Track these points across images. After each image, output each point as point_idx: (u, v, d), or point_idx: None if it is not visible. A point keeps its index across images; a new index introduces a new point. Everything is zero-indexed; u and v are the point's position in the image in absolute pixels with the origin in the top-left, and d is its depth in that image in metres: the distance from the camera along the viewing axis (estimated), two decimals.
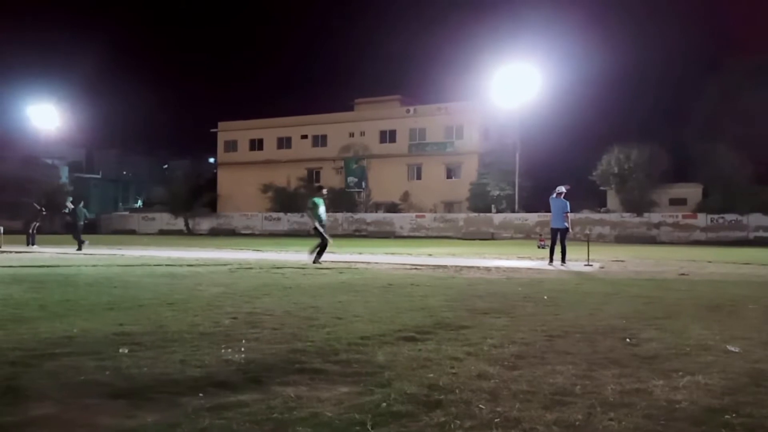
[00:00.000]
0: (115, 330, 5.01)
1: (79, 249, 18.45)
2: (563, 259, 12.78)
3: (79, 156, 66.49)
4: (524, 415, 2.90)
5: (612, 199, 41.65)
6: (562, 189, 13.19)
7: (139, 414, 2.91)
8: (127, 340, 4.59)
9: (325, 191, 14.22)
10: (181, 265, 12.16)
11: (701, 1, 63.88)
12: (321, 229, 12.79)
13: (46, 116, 48.60)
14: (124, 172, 71.57)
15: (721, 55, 39.80)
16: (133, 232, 47.11)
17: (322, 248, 12.75)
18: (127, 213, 56.45)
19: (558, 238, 12.98)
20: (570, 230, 13.14)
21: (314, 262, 12.45)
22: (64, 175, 59.36)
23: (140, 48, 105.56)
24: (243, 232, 46.03)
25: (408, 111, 49.52)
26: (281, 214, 46.73)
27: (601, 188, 41.53)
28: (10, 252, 17.01)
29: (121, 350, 4.23)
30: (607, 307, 6.64)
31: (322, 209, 12.99)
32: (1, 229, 20.10)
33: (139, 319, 5.53)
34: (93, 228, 49.11)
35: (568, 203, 13.12)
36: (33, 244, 20.15)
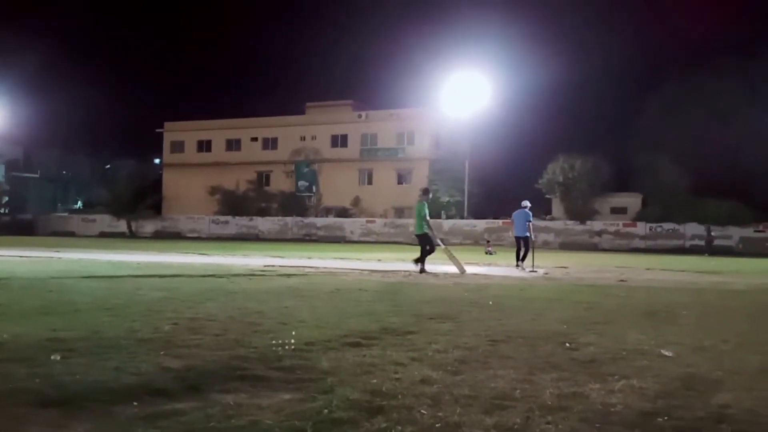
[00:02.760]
0: (48, 336, 4.80)
1: None
2: (522, 259, 14.14)
3: (17, 154, 63.57)
4: (464, 419, 2.93)
5: (557, 207, 42.78)
6: (527, 203, 14.90)
7: (70, 423, 2.80)
8: (60, 346, 4.40)
9: (430, 195, 13.89)
10: (121, 269, 11.78)
11: (645, 16, 66.47)
12: (432, 235, 12.99)
13: None
14: (64, 172, 68.82)
15: (662, 71, 41.53)
16: (72, 234, 45.35)
17: (428, 253, 12.69)
18: (66, 214, 54.30)
19: (522, 244, 14.40)
20: (532, 237, 14.58)
21: (421, 272, 12.26)
22: (1, 174, 56.74)
23: (84, 44, 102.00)
24: (189, 235, 45.00)
25: (360, 116, 49.54)
26: (229, 218, 45.93)
27: (547, 196, 42.63)
28: None
29: (53, 357, 4.05)
30: (549, 312, 6.79)
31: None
32: None
33: (74, 325, 5.32)
34: (30, 229, 47.10)
35: (530, 214, 14.77)
36: None
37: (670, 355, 4.53)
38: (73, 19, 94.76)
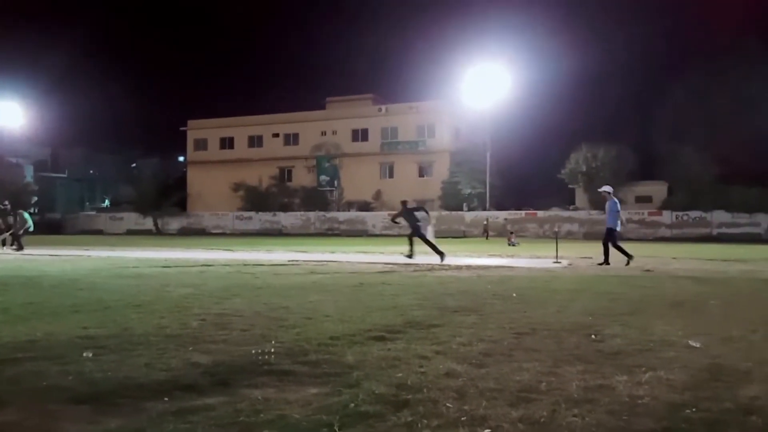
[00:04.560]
0: (79, 333, 4.91)
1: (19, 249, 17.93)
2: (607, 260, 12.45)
3: (45, 155, 64.87)
4: (490, 412, 2.94)
5: (580, 197, 42.35)
6: (609, 189, 13.09)
7: (102, 419, 2.86)
8: (91, 343, 4.51)
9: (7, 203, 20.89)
10: (148, 266, 11.97)
11: (666, 3, 65.22)
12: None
13: (10, 114, 47.29)
14: (91, 171, 70.02)
15: (686, 58, 40.78)
16: (100, 232, 46.19)
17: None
18: (94, 213, 55.34)
19: (609, 237, 12.64)
20: (620, 227, 12.83)
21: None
22: (29, 174, 57.91)
23: (108, 45, 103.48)
24: (213, 231, 45.55)
25: (380, 110, 49.52)
26: (252, 213, 46.39)
27: (570, 186, 42.21)
28: None
29: (85, 354, 4.15)
30: (573, 304, 6.75)
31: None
32: None
33: (104, 322, 5.43)
34: (59, 228, 48.08)
35: (617, 202, 12.96)
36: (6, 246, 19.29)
37: (698, 346, 4.48)
38: (96, 20, 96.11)
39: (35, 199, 53.66)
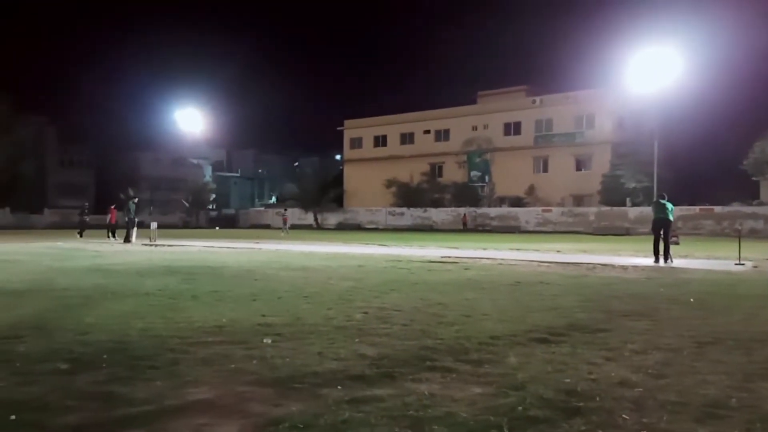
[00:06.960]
0: (258, 320, 5.35)
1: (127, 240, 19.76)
2: None
3: (221, 156, 71.76)
4: (674, 427, 2.72)
5: (766, 190, 37.75)
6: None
7: (284, 402, 3.08)
8: (269, 330, 4.88)
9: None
10: (313, 259, 12.72)
11: None
12: None
13: (192, 120, 52.86)
14: (260, 170, 76.21)
15: None
16: (268, 227, 49.99)
17: None
18: (262, 208, 60.14)
19: None
20: None
21: None
22: (208, 174, 64.41)
23: (273, 54, 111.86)
24: (368, 226, 47.24)
25: (534, 101, 47.98)
26: (404, 209, 47.39)
27: (754, 178, 37.74)
28: (164, 246, 18.68)
29: (265, 340, 4.51)
30: (763, 311, 6.04)
31: None
32: (156, 224, 21.93)
33: (278, 311, 5.87)
34: (233, 222, 52.99)
35: None
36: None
37: None
38: (261, 34, 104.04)
39: (213, 196, 59.53)
